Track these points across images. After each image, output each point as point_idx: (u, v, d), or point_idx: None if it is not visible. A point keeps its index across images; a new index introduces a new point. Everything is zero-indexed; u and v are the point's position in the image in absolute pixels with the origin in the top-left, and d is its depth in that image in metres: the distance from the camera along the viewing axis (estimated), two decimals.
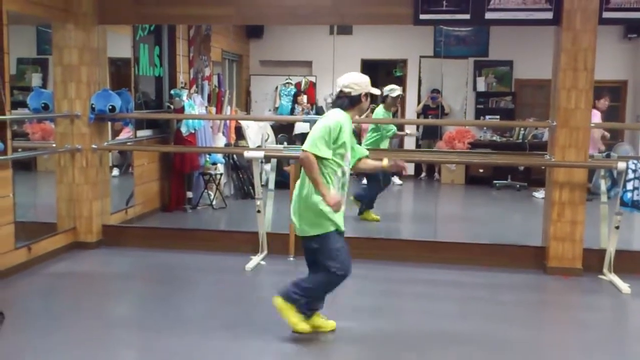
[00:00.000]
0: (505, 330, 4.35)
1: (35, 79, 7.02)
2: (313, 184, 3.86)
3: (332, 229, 3.93)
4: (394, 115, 7.98)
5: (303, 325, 4.05)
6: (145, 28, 7.53)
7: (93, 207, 6.24)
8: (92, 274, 5.70)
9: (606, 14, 5.40)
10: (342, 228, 4.01)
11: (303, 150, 3.85)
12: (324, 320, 4.20)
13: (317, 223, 3.91)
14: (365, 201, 7.71)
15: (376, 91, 4.14)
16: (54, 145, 6.25)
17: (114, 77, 7.04)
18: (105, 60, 6.39)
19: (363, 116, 6.43)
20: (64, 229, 6.14)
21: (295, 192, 4.03)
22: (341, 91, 4.00)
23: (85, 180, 6.18)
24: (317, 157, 3.82)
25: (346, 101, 3.99)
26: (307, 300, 4.02)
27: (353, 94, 3.98)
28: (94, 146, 6.17)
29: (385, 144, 7.62)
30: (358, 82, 4.00)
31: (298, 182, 4.03)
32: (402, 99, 10.12)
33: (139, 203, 7.46)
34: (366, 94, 4.03)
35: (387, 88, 7.41)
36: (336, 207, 3.85)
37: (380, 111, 7.56)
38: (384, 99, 7.41)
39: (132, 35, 7.25)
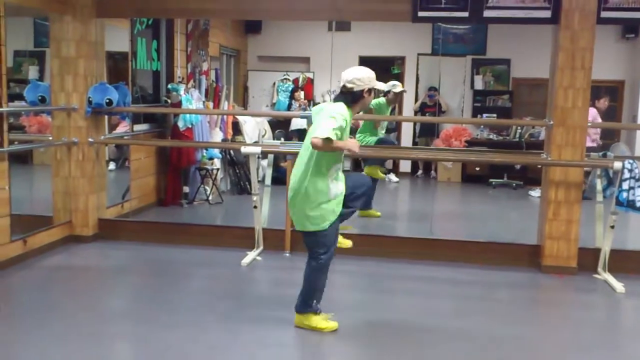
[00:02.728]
0: (499, 328, 4.36)
1: (32, 72, 6.99)
2: (337, 150, 3.88)
3: (333, 219, 3.99)
4: (392, 112, 7.94)
5: (329, 324, 4.13)
6: (144, 22, 7.51)
7: (89, 201, 6.23)
8: (88, 267, 5.70)
9: (604, 14, 5.41)
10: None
11: (315, 137, 3.77)
12: None
13: (322, 218, 3.96)
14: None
15: (381, 86, 4.09)
16: (50, 138, 6.23)
17: (112, 70, 7.02)
18: (102, 53, 6.37)
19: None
20: (60, 222, 6.13)
21: (296, 189, 3.99)
22: (344, 86, 3.96)
23: (82, 174, 6.17)
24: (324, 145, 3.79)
25: (349, 97, 3.95)
26: (316, 297, 4.10)
27: (355, 89, 3.94)
28: (90, 140, 6.15)
29: (379, 133, 7.55)
30: (361, 77, 3.94)
31: (295, 179, 4.01)
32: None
33: (135, 197, 7.45)
34: (369, 90, 3.98)
35: (390, 83, 7.39)
36: (357, 148, 3.92)
37: (381, 100, 7.48)
38: (385, 94, 7.41)
39: (130, 29, 7.23)
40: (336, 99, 4.03)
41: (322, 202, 3.94)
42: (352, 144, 3.93)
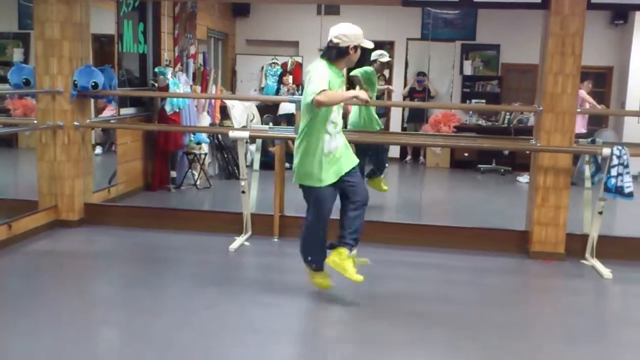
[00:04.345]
0: (487, 313, 4.36)
1: (17, 54, 6.90)
2: (343, 100, 4.03)
3: (325, 180, 4.06)
4: (381, 97, 7.87)
5: (323, 282, 4.34)
6: (130, 4, 7.41)
7: (75, 185, 6.16)
8: (74, 252, 5.64)
9: None
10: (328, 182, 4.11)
11: (313, 99, 3.81)
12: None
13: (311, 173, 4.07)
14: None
15: (368, 44, 4.14)
16: (35, 121, 6.13)
17: (97, 53, 6.93)
18: (88, 35, 6.26)
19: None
20: (45, 207, 6.06)
21: (296, 146, 4.13)
22: (330, 41, 4.04)
23: (67, 158, 6.09)
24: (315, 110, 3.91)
25: (334, 52, 4.03)
26: (311, 257, 4.27)
27: (341, 45, 4.01)
28: (76, 123, 6.07)
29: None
30: (347, 33, 4.01)
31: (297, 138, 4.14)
32: (387, 78, 10.07)
33: (121, 182, 7.39)
34: (355, 47, 4.04)
35: (376, 53, 7.33)
36: (364, 95, 4.05)
37: (368, 69, 7.40)
38: (372, 63, 7.39)
39: (116, 11, 7.13)
40: (322, 55, 4.10)
41: (314, 158, 4.01)
42: (356, 93, 4.08)
